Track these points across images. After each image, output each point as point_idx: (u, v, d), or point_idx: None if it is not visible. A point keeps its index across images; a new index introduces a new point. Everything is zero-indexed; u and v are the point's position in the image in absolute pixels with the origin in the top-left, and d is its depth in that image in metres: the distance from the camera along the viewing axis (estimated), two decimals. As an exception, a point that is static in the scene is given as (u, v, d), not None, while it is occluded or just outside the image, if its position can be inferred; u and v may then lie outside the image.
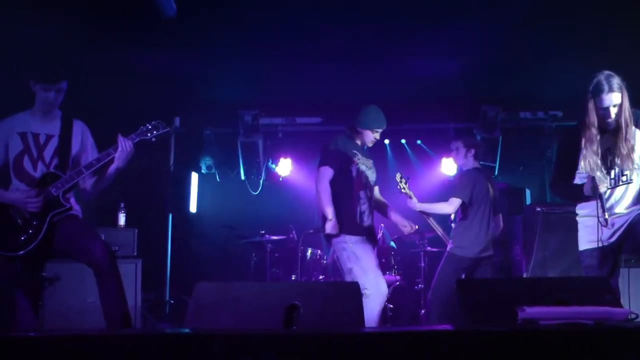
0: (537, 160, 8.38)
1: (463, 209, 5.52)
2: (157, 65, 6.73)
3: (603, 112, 3.75)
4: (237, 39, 6.32)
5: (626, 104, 3.74)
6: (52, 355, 1.97)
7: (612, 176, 3.79)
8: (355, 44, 6.50)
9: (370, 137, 4.94)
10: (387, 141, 8.87)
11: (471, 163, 5.71)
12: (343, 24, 6.09)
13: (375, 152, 8.86)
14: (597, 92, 3.75)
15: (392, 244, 7.26)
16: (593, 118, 3.79)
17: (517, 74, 7.15)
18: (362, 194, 4.76)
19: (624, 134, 3.73)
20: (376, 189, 5.08)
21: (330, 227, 4.61)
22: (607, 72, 3.80)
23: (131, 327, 3.98)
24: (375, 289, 4.41)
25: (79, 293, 5.32)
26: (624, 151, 3.72)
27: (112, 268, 3.74)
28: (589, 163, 3.82)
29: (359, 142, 4.96)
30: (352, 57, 6.76)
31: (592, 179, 3.71)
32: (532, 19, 5.97)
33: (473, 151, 5.72)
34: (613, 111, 3.74)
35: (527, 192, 8.17)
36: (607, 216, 3.71)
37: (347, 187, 4.74)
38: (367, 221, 4.74)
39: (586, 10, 5.78)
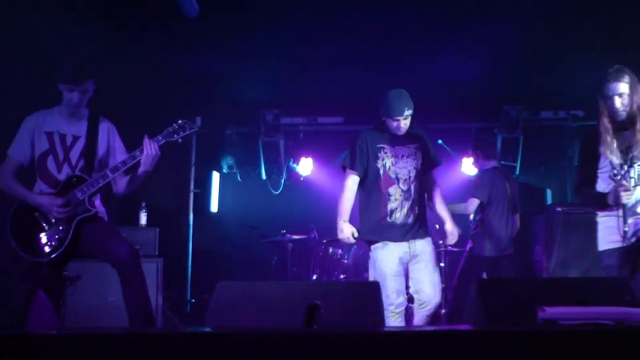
0: (558, 160, 8.33)
1: (481, 209, 5.53)
2: (179, 65, 6.77)
3: (610, 103, 3.78)
4: (259, 39, 6.34)
5: (636, 98, 3.75)
6: (74, 353, 2.00)
7: (633, 175, 3.78)
8: (377, 44, 6.49)
9: (392, 125, 4.44)
10: (408, 141, 8.84)
11: (486, 163, 5.72)
12: (365, 24, 6.09)
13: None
14: (604, 82, 3.81)
15: None
16: (602, 109, 3.84)
17: (539, 73, 7.11)
18: (391, 190, 4.34)
19: (637, 123, 3.75)
20: (432, 172, 4.61)
21: (338, 233, 4.46)
22: (618, 65, 3.84)
23: (153, 326, 4.02)
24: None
25: (100, 292, 5.36)
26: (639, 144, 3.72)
27: (136, 268, 3.78)
28: (608, 162, 3.83)
29: (387, 133, 4.50)
30: (373, 56, 6.75)
31: (616, 190, 3.70)
32: (554, 18, 5.93)
33: (479, 152, 5.73)
34: (618, 100, 3.77)
35: (548, 192, 8.14)
36: (626, 228, 3.72)
37: (371, 187, 4.43)
38: (400, 219, 4.33)
39: (609, 10, 5.75)
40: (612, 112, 3.81)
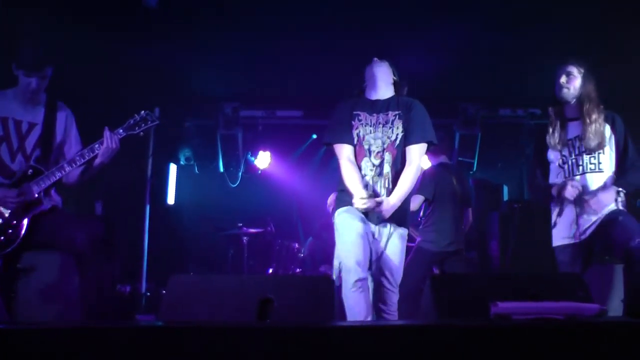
0: (516, 157, 8.43)
1: (429, 205, 5.59)
2: (138, 55, 6.65)
3: (556, 80, 3.95)
4: (220, 31, 6.27)
5: (587, 88, 3.90)
6: (24, 347, 1.94)
7: (581, 163, 3.88)
8: (337, 39, 6.48)
9: (368, 76, 4.13)
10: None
11: (435, 159, 5.80)
12: (325, 18, 6.07)
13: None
14: (556, 70, 4.00)
15: None
16: (553, 101, 4.05)
17: (497, 71, 7.18)
18: (363, 164, 3.78)
19: (585, 111, 3.88)
20: (411, 149, 3.82)
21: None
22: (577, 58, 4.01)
23: (107, 319, 3.94)
24: (337, 269, 3.59)
25: (54, 284, 5.24)
26: (590, 135, 3.83)
27: (94, 257, 3.68)
28: (558, 152, 3.94)
29: (369, 97, 4.04)
30: (332, 51, 6.74)
31: (563, 184, 3.79)
32: (513, 18, 5.99)
33: (431, 148, 5.78)
34: (564, 78, 3.94)
35: (505, 188, 8.24)
36: (575, 226, 3.80)
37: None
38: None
39: (566, 11, 5.83)
40: (558, 91, 3.96)
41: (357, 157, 3.80)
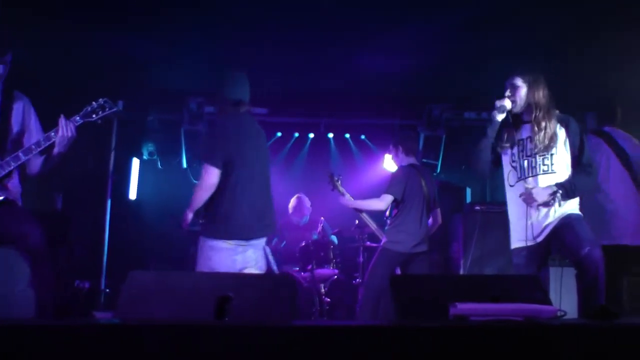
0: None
1: (396, 205, 5.59)
2: (103, 46, 6.56)
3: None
4: (186, 24, 6.20)
5: (535, 95, 3.98)
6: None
7: (534, 165, 3.95)
8: (304, 36, 6.47)
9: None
10: (331, 135, 8.90)
11: (405, 160, 5.78)
12: (292, 16, 6.05)
13: (319, 146, 8.94)
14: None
15: (334, 238, 7.28)
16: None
17: (463, 74, 7.23)
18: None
19: (533, 119, 3.95)
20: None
21: None
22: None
23: (64, 316, 3.88)
24: None
25: (7, 281, 5.14)
26: (538, 143, 3.91)
27: (49, 254, 3.62)
28: (507, 150, 4.02)
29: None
30: (300, 49, 6.73)
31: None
32: (479, 21, 6.04)
33: (401, 148, 5.80)
34: (509, 92, 4.03)
35: (468, 190, 8.32)
36: (530, 229, 3.88)
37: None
38: None
39: (531, 15, 5.89)
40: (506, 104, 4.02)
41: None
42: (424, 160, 8.03)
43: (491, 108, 4.06)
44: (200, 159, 4.11)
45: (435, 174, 8.24)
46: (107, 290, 7.41)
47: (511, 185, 4.09)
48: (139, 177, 8.46)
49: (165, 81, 7.49)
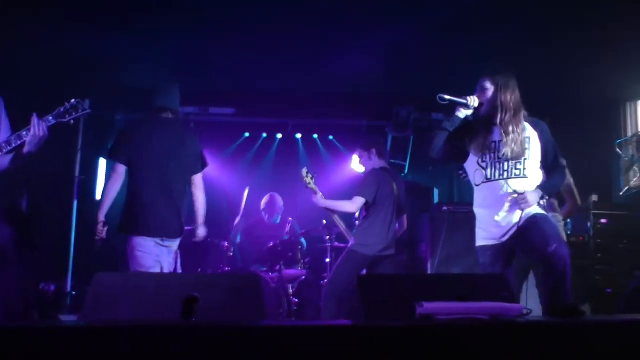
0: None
1: (367, 208, 5.57)
2: (71, 44, 6.47)
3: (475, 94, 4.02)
4: (154, 24, 6.16)
5: (504, 98, 3.94)
6: None
7: (506, 168, 3.95)
8: (273, 36, 6.46)
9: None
10: (299, 135, 8.91)
11: (377, 163, 5.77)
12: (262, 16, 6.03)
13: (286, 147, 8.93)
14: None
15: (303, 241, 7.27)
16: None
17: (432, 75, 7.27)
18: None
19: (498, 120, 3.93)
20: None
21: None
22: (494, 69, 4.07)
23: (29, 318, 3.82)
24: None
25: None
26: (507, 147, 3.89)
27: (17, 254, 3.57)
28: (476, 152, 4.02)
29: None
30: (268, 49, 6.71)
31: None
32: (447, 24, 6.09)
33: (374, 150, 5.79)
34: (478, 94, 4.01)
35: (435, 191, 8.37)
36: (497, 228, 3.93)
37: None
38: None
39: (500, 17, 5.95)
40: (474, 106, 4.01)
41: None
42: (392, 161, 8.06)
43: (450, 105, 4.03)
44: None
45: (403, 174, 8.28)
46: (73, 292, 7.30)
47: (477, 185, 4.09)
48: (105, 177, 8.34)
49: (132, 80, 7.42)
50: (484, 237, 4.06)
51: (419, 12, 5.88)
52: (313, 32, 6.36)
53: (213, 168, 8.48)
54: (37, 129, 3.65)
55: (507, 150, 3.89)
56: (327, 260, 6.70)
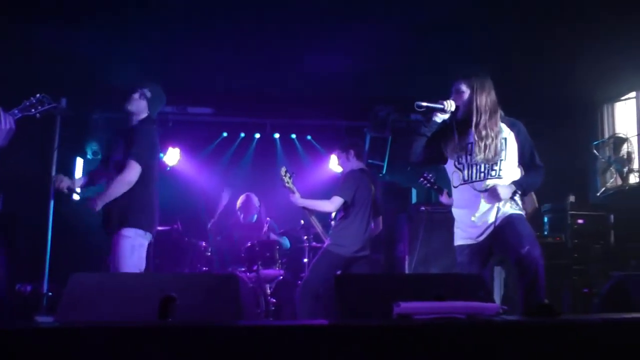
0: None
1: (344, 208, 5.58)
2: (47, 42, 6.41)
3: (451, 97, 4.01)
4: (132, 22, 6.12)
5: (479, 101, 3.94)
6: None
7: (482, 170, 3.97)
8: (251, 36, 6.44)
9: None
10: (277, 135, 8.89)
11: (355, 164, 5.79)
12: (239, 16, 6.02)
13: (265, 147, 8.92)
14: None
15: (286, 241, 7.26)
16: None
17: (410, 76, 7.30)
18: None
19: (473, 124, 3.93)
20: None
21: None
22: (470, 70, 4.06)
23: (2, 321, 3.76)
24: None
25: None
26: (481, 144, 3.90)
27: None
28: (452, 155, 4.03)
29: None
30: (246, 48, 6.69)
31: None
32: (427, 25, 6.11)
33: (352, 152, 5.81)
34: (455, 97, 3.99)
35: (413, 191, 8.39)
36: (474, 228, 3.95)
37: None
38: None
39: (479, 19, 5.98)
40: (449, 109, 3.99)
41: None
42: (370, 161, 8.07)
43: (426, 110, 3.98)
44: (130, 156, 4.40)
45: (381, 175, 8.29)
46: (50, 293, 7.22)
47: (455, 186, 4.12)
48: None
49: (110, 79, 7.35)
50: (461, 237, 4.08)
51: (398, 12, 5.89)
52: (291, 32, 6.35)
53: (191, 168, 8.45)
54: (3, 122, 3.67)
55: (480, 156, 3.90)
56: (305, 260, 6.70)
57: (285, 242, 7.30)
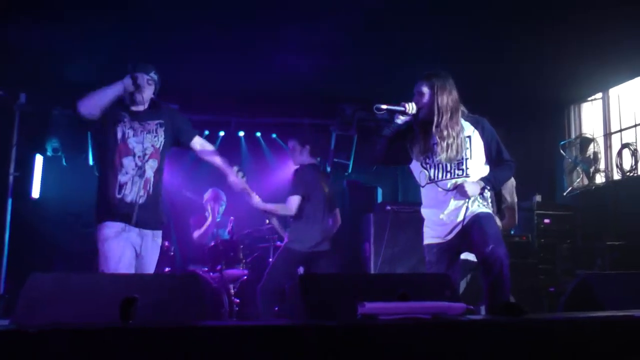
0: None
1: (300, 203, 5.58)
2: (4, 35, 6.27)
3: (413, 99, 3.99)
4: (95, 15, 5.99)
5: (440, 101, 3.92)
6: None
7: (449, 169, 3.97)
8: (215, 33, 6.38)
9: (130, 86, 4.20)
10: (241, 134, 8.84)
11: (307, 159, 5.78)
12: (204, 13, 5.95)
13: (229, 145, 8.85)
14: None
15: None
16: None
17: (377, 74, 7.31)
18: (125, 161, 4.06)
19: (434, 124, 3.91)
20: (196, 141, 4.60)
21: None
22: (432, 71, 4.05)
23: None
24: None
25: None
26: (443, 144, 3.89)
27: None
28: (418, 155, 4.04)
29: (137, 98, 4.30)
30: (210, 46, 6.63)
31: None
32: (389, 22, 6.11)
33: (308, 147, 5.80)
34: (416, 99, 3.98)
35: (379, 190, 8.41)
36: (442, 227, 3.95)
37: (103, 158, 4.14)
38: (129, 197, 4.03)
39: (445, 18, 6.01)
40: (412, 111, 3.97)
41: (116, 154, 4.08)
42: (335, 159, 8.07)
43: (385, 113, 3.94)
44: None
45: (346, 173, 8.29)
46: (7, 295, 7.07)
47: (422, 186, 4.11)
48: (42, 174, 8.12)
49: (70, 74, 7.22)
50: (430, 236, 4.08)
51: (365, 8, 5.86)
52: (256, 30, 6.31)
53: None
54: None
55: (442, 156, 3.90)
56: (270, 259, 6.67)
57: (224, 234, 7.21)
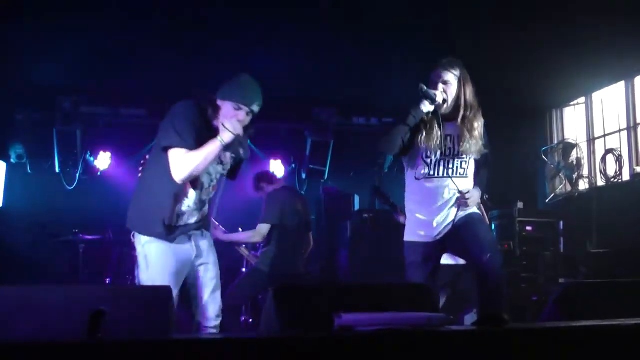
0: (368, 167, 8.45)
1: (272, 227, 5.47)
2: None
3: (431, 96, 3.74)
4: (61, 17, 5.84)
5: (466, 93, 3.83)
6: None
7: (451, 166, 3.83)
8: (186, 37, 6.30)
9: (231, 113, 3.71)
10: (214, 139, 8.74)
11: (274, 187, 5.70)
12: (175, 15, 5.87)
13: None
14: (434, 68, 3.88)
15: None
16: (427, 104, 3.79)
17: (353, 79, 7.27)
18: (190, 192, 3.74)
19: (465, 119, 3.81)
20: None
21: None
22: (452, 57, 3.92)
23: None
24: None
25: None
26: (469, 146, 3.79)
27: None
28: (424, 147, 3.81)
29: (212, 119, 3.77)
30: (182, 49, 6.55)
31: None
32: (369, 27, 6.09)
33: (264, 184, 5.76)
34: (441, 87, 3.81)
35: (356, 197, 8.34)
36: (432, 226, 3.80)
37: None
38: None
39: (424, 22, 5.98)
40: (432, 102, 3.76)
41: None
42: (311, 166, 7.99)
43: (421, 96, 3.72)
44: None
45: (322, 180, 8.22)
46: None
47: (417, 179, 3.87)
48: (5, 182, 7.96)
49: (36, 77, 7.08)
50: (416, 234, 3.85)
51: (342, 13, 5.81)
52: (230, 33, 6.24)
53: (123, 172, 8.21)
54: None
55: (466, 147, 3.77)
56: (243, 269, 6.59)
57: None
